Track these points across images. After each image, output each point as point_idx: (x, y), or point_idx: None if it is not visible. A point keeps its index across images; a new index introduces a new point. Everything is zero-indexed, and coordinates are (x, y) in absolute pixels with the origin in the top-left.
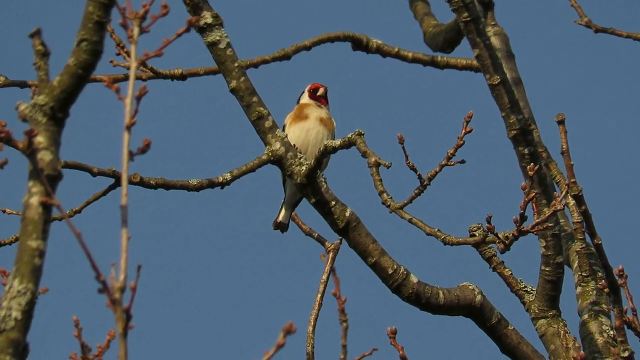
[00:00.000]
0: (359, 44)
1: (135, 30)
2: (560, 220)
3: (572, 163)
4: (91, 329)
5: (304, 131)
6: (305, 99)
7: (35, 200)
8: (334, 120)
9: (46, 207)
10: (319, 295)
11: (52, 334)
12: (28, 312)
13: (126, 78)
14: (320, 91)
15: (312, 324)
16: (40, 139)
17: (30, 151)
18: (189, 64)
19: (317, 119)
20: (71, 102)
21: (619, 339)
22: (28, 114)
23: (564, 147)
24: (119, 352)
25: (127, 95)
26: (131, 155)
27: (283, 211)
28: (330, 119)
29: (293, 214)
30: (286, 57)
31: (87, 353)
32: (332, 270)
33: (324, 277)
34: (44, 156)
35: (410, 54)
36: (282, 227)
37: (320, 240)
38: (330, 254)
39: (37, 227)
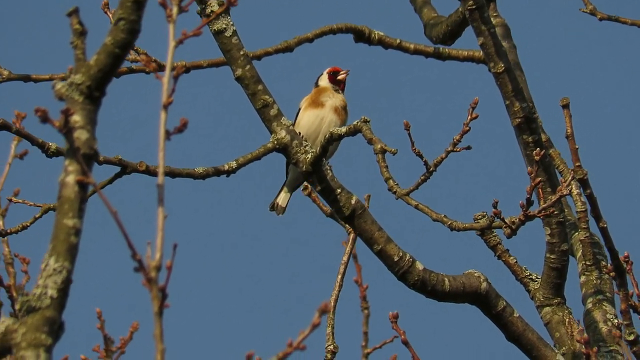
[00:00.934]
0: (361, 36)
1: (175, 10)
2: (565, 210)
3: (577, 147)
4: (114, 321)
5: (318, 118)
6: (324, 81)
7: (71, 178)
8: (348, 110)
9: (82, 185)
10: (339, 277)
11: (76, 324)
12: (64, 291)
13: (130, 71)
14: (342, 76)
15: (333, 305)
16: (76, 118)
17: (67, 130)
18: (191, 54)
19: (332, 107)
20: (108, 81)
21: (625, 322)
22: (64, 93)
23: (568, 131)
24: (154, 331)
25: (165, 74)
26: (168, 135)
27: (282, 194)
28: (345, 109)
29: (314, 196)
30: (289, 49)
31: (110, 345)
32: (354, 256)
33: (344, 258)
34: (80, 135)
35: (412, 46)
36: (279, 209)
37: (342, 222)
38: (351, 236)
39: (73, 205)
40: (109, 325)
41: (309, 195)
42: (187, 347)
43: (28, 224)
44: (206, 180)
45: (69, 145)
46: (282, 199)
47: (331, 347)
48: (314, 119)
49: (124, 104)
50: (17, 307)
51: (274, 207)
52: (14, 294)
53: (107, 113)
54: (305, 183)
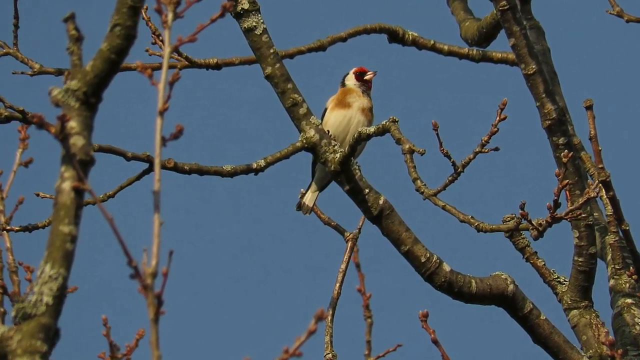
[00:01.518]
0: (395, 36)
1: (170, 16)
2: (595, 214)
3: (600, 149)
4: (120, 327)
5: (346, 118)
6: (350, 80)
7: (67, 185)
8: (374, 113)
9: (78, 192)
10: (338, 285)
11: (82, 330)
12: (59, 298)
13: (161, 67)
14: (369, 76)
15: (331, 313)
16: (72, 124)
17: (63, 136)
18: (224, 52)
19: (360, 108)
20: (104, 87)
21: None
22: (61, 99)
23: (592, 132)
24: (150, 337)
25: (160, 80)
26: (164, 141)
27: (310, 194)
28: (371, 110)
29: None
30: (322, 48)
31: (116, 352)
32: (357, 265)
33: (343, 266)
34: (77, 141)
35: (446, 47)
36: (305, 208)
37: (339, 230)
38: (349, 243)
39: (69, 212)
40: (115, 332)
41: None
42: (184, 354)
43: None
44: (203, 185)
45: (65, 152)
46: (309, 198)
47: (329, 355)
48: (341, 119)
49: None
50: (13, 314)
51: (300, 206)
52: None
53: (133, 110)
54: (302, 190)
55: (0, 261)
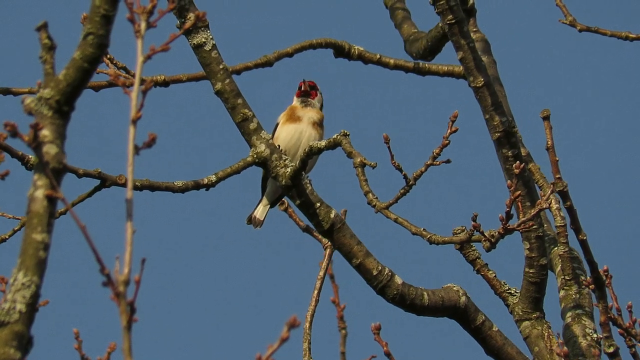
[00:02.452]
0: (341, 51)
1: (143, 25)
2: (544, 225)
3: (557, 159)
4: (93, 335)
5: (297, 132)
6: (294, 100)
7: (40, 193)
8: (324, 125)
9: (51, 200)
10: (316, 292)
11: (54, 343)
12: (32, 305)
13: (109, 85)
14: (303, 86)
15: (309, 320)
16: (45, 132)
17: (36, 144)
18: (172, 67)
19: (310, 121)
20: (77, 95)
21: (604, 334)
22: (33, 108)
23: (549, 143)
24: (122, 345)
25: (133, 89)
26: (137, 150)
27: (260, 207)
28: (321, 124)
29: (290, 210)
30: (268, 63)
31: None
32: (331, 277)
33: (321, 273)
34: (50, 149)
35: (392, 61)
36: (256, 222)
37: (318, 237)
38: (327, 250)
39: (42, 220)
40: (86, 345)
41: (286, 210)
42: None
43: (7, 237)
44: (185, 194)
45: (38, 160)
46: (260, 212)
47: None
48: (293, 133)
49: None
50: None
51: (251, 220)
52: None
53: (86, 124)
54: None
55: None
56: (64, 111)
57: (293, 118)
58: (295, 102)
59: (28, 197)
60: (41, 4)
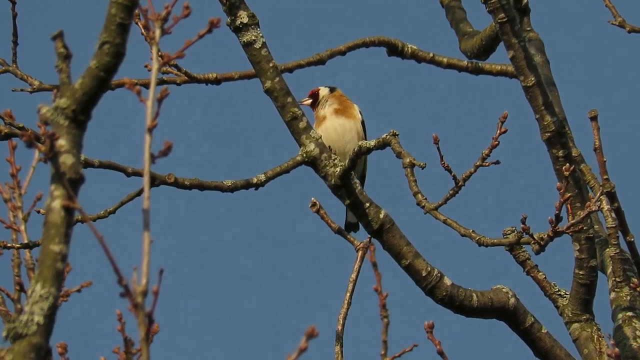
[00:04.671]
0: (394, 50)
1: (157, 32)
2: (595, 226)
3: (605, 160)
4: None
5: (323, 132)
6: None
7: (57, 203)
8: (355, 104)
9: (68, 210)
10: (348, 294)
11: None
12: (50, 317)
13: (162, 82)
14: (305, 104)
15: (341, 322)
16: (61, 142)
17: (52, 154)
18: (224, 65)
19: (332, 112)
20: (93, 104)
21: None
22: (49, 117)
23: (596, 143)
24: (142, 357)
25: (149, 97)
26: (153, 158)
27: (349, 212)
28: (346, 102)
29: (322, 212)
30: (321, 61)
31: (131, 347)
32: (374, 264)
33: (353, 275)
34: (66, 159)
35: (445, 60)
36: (351, 227)
37: (349, 239)
38: (360, 253)
39: (59, 230)
40: (130, 327)
41: (317, 211)
42: None
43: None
44: (205, 195)
45: (55, 170)
46: (350, 215)
47: None
48: (323, 134)
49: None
50: (3, 334)
51: (348, 227)
52: None
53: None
54: (313, 199)
55: (17, 257)
56: (80, 120)
57: (319, 120)
58: (316, 110)
59: (45, 208)
60: (60, 9)
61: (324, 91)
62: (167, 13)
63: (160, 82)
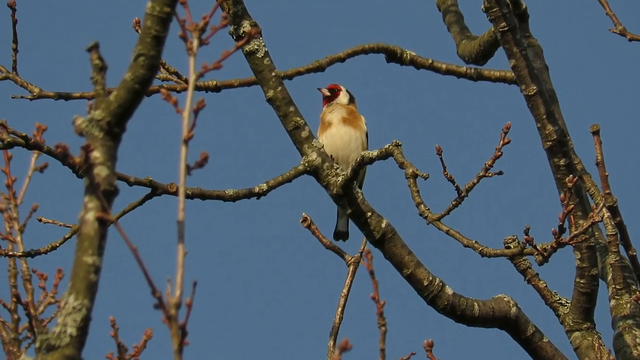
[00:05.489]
0: (393, 56)
1: (195, 42)
2: (595, 233)
3: (607, 174)
4: (128, 328)
5: (329, 137)
6: (323, 108)
7: (91, 215)
8: (362, 116)
9: (102, 222)
10: (340, 309)
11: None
12: (83, 329)
13: (158, 90)
14: (323, 94)
15: (333, 337)
16: (96, 154)
17: (87, 166)
18: (223, 74)
19: (340, 120)
20: (128, 117)
21: None
22: (84, 129)
23: (598, 158)
24: None
25: (185, 108)
26: (189, 169)
27: (340, 220)
28: (355, 114)
29: (313, 227)
30: (320, 68)
31: (124, 353)
32: (371, 273)
33: (345, 290)
34: (100, 171)
35: (444, 66)
36: (341, 235)
37: (341, 254)
38: (351, 267)
39: (93, 242)
40: (123, 333)
41: (308, 227)
42: None
43: (57, 245)
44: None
45: (89, 182)
46: (341, 224)
47: None
48: (326, 141)
49: (154, 122)
50: (36, 345)
51: (337, 235)
52: (32, 312)
53: (138, 131)
54: (304, 215)
55: (14, 268)
56: (115, 132)
57: (324, 125)
58: (324, 109)
59: (79, 220)
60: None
61: (343, 97)
62: (205, 23)
63: (158, 89)
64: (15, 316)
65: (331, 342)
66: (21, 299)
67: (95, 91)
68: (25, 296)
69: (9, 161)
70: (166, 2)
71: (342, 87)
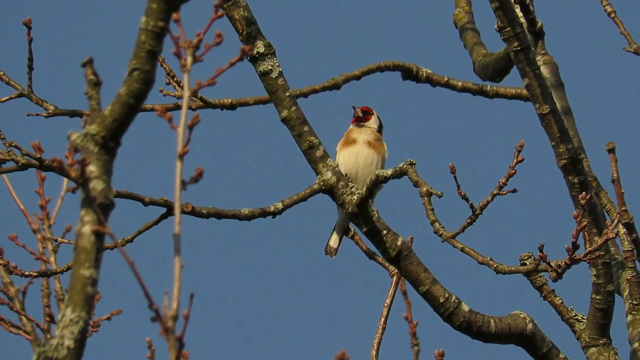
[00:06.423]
0: (408, 74)
1: (189, 60)
2: (611, 249)
3: (622, 191)
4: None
5: (352, 155)
6: (350, 126)
7: (87, 229)
8: (384, 143)
9: (99, 235)
10: (382, 319)
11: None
12: (81, 341)
13: (176, 107)
14: (355, 112)
15: (376, 347)
16: (92, 168)
17: (83, 180)
18: (238, 93)
19: (365, 142)
20: (123, 131)
21: None
22: (80, 143)
23: (614, 175)
24: None
25: (180, 124)
26: (184, 185)
27: (333, 235)
28: (379, 141)
29: (357, 238)
30: (336, 86)
31: None
32: (403, 293)
33: (388, 301)
34: (96, 185)
35: (459, 83)
36: (331, 251)
37: (384, 265)
38: (394, 278)
39: (89, 255)
40: (159, 355)
41: (352, 237)
42: None
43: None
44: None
45: (85, 196)
46: (333, 240)
47: None
48: (349, 156)
49: (168, 144)
50: (34, 357)
51: (326, 250)
52: None
53: (151, 152)
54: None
55: (47, 287)
56: (110, 147)
57: (348, 142)
58: (351, 126)
59: (75, 233)
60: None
61: (373, 123)
62: (198, 41)
63: (175, 107)
64: (49, 336)
65: (373, 353)
66: (54, 319)
67: (90, 106)
68: (58, 316)
69: (43, 182)
70: (160, 17)
71: (375, 112)
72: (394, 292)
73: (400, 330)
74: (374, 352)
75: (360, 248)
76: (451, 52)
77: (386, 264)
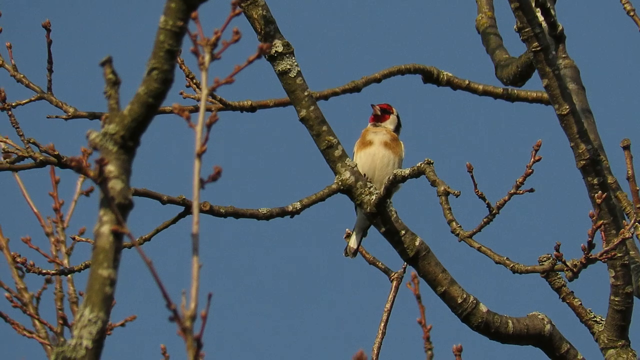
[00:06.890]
0: (429, 77)
1: (207, 57)
2: (631, 252)
3: (638, 189)
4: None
5: (369, 156)
6: (367, 126)
7: (106, 228)
8: (402, 142)
9: (117, 235)
10: (382, 324)
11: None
12: (99, 341)
13: (196, 110)
14: (374, 110)
15: (376, 352)
16: (110, 168)
17: (101, 180)
18: (258, 94)
19: (382, 143)
20: (141, 130)
21: None
22: (99, 143)
23: (629, 172)
24: None
25: (198, 122)
26: (202, 183)
27: (353, 236)
28: (397, 141)
29: (360, 248)
30: (356, 89)
31: None
32: (417, 297)
33: (388, 305)
34: (115, 185)
35: (480, 87)
36: (350, 252)
37: (384, 270)
38: (394, 283)
39: (108, 255)
40: (138, 346)
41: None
42: None
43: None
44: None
45: (104, 195)
46: (353, 241)
47: None
48: (365, 158)
49: (187, 143)
50: (52, 358)
51: (347, 251)
52: None
53: (169, 152)
54: (348, 230)
55: (60, 290)
56: (129, 146)
57: (365, 143)
58: (369, 126)
59: (94, 233)
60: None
61: (390, 123)
62: (216, 38)
63: (195, 109)
64: (62, 339)
65: (373, 358)
66: (68, 322)
67: (109, 105)
68: (72, 318)
69: (57, 185)
70: (179, 16)
71: (394, 110)
72: (394, 296)
73: (399, 335)
74: (373, 357)
75: (360, 254)
76: (473, 57)
77: (386, 269)
